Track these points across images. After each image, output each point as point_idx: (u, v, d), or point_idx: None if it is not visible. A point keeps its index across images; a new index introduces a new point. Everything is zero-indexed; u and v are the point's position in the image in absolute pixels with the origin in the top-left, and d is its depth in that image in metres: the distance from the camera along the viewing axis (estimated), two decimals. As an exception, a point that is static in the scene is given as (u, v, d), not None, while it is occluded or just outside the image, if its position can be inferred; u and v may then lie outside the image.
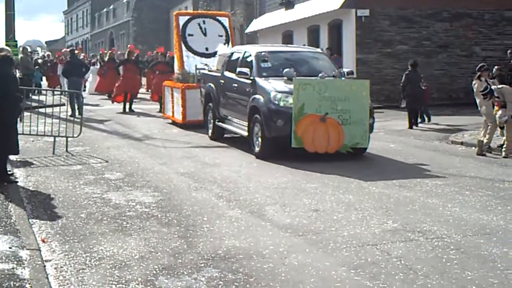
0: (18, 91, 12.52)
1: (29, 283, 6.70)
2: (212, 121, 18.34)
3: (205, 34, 22.72)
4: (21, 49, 32.85)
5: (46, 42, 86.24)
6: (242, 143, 16.39)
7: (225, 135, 18.22)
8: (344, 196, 11.06)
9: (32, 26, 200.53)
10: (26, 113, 16.25)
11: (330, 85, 14.67)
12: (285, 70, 15.40)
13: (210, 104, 18.49)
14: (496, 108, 15.92)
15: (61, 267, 7.50)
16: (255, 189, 11.66)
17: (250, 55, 16.73)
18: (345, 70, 16.91)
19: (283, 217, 9.75)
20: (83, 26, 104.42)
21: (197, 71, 20.95)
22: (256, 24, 39.46)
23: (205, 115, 19.08)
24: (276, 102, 14.69)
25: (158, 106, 26.62)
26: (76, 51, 29.81)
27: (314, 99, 14.36)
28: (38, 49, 52.86)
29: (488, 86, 16.09)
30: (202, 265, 7.56)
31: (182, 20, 22.89)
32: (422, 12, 30.20)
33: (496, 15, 30.86)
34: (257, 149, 15.19)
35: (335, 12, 30.25)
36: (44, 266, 7.41)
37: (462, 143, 17.35)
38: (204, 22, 22.94)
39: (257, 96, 15.27)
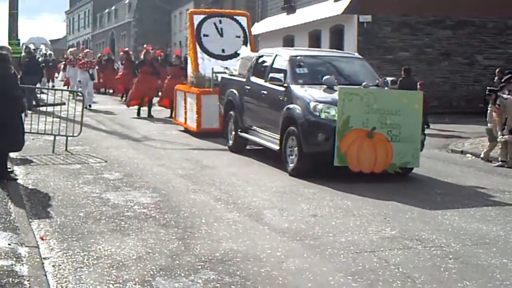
0: (18, 89, 12.52)
1: (28, 280, 6.70)
2: (233, 131, 16.59)
3: (221, 35, 21.11)
4: (24, 47, 32.84)
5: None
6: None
7: (247, 147, 16.70)
8: (342, 202, 11.06)
9: (34, 25, 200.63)
10: (27, 111, 16.24)
11: (379, 96, 13.01)
12: (325, 77, 13.86)
13: (232, 112, 16.71)
14: (494, 115, 15.96)
15: (59, 265, 7.50)
16: (254, 193, 11.65)
17: (283, 59, 15.13)
18: (388, 78, 14.77)
19: (281, 221, 9.74)
20: (85, 26, 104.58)
21: (214, 75, 19.54)
22: (258, 28, 39.45)
23: (225, 124, 17.31)
24: (317, 114, 13.05)
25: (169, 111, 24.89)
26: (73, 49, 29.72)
27: (361, 112, 12.72)
28: (42, 46, 52.68)
29: (496, 89, 16.10)
30: (199, 267, 7.55)
31: (197, 19, 21.21)
32: (424, 19, 30.18)
33: (500, 24, 30.84)
34: (291, 165, 13.50)
35: (337, 17, 30.24)
36: (43, 263, 7.42)
37: (462, 152, 17.34)
38: (220, 21, 21.29)
39: (292, 105, 13.63)
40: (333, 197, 11.44)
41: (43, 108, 23.31)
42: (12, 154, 13.71)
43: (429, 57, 30.28)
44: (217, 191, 11.76)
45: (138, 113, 24.97)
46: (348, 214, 10.26)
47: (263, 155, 15.40)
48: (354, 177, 12.73)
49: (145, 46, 27.48)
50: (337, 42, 31.06)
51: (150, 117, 24.61)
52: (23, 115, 13.22)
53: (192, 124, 19.65)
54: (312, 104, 13.20)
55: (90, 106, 27.14)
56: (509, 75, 16.44)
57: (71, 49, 44.99)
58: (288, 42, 35.59)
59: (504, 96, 15.70)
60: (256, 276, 7.27)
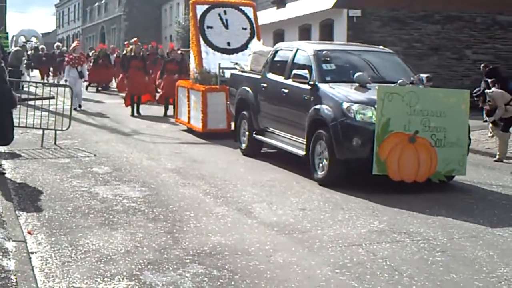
0: (6, 83, 12.48)
1: (14, 275, 6.68)
2: (247, 133, 15.24)
3: (226, 27, 19.59)
4: (14, 39, 32.75)
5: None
6: (229, 140, 16.36)
7: (262, 150, 15.48)
8: (331, 196, 11.08)
9: (24, 19, 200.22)
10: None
11: (422, 96, 11.63)
12: (356, 74, 12.57)
13: (245, 112, 15.30)
14: (485, 112, 16.04)
15: (47, 259, 7.49)
16: (243, 187, 11.66)
17: (306, 54, 13.67)
18: (423, 75, 13.35)
19: (269, 215, 9.75)
20: (75, 20, 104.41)
21: (221, 70, 18.02)
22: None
23: (236, 125, 15.96)
24: (351, 115, 11.68)
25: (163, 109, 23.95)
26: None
27: (403, 113, 11.40)
28: (33, 39, 52.49)
29: (480, 89, 16.16)
30: (188, 261, 7.55)
31: (200, 9, 19.62)
32: (414, 14, 30.20)
33: (488, 19, 30.90)
34: (320, 173, 12.15)
35: (326, 11, 30.24)
36: (30, 258, 7.40)
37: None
38: (225, 12, 19.73)
39: (321, 106, 12.24)
40: (322, 191, 11.45)
41: (31, 102, 23.22)
42: (0, 148, 13.66)
43: (418, 52, 30.29)
44: (206, 185, 11.76)
45: (132, 113, 23.62)
46: (336, 207, 10.28)
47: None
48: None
49: (133, 40, 26.71)
50: (327, 36, 31.07)
51: (138, 114, 23.59)
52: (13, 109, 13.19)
53: (197, 124, 18.22)
54: (345, 105, 11.80)
55: (80, 107, 24.80)
56: (489, 69, 16.68)
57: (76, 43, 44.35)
58: (278, 36, 35.55)
59: (490, 91, 15.85)
60: (244, 270, 7.28)
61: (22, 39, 39.91)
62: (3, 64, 12.45)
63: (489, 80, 17.05)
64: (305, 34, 33.22)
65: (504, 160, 15.34)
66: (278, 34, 35.92)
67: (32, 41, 48.35)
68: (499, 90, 15.83)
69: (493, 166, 14.71)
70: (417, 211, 10.07)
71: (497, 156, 15.44)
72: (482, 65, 20.36)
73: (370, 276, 7.18)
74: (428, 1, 29.54)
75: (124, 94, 25.99)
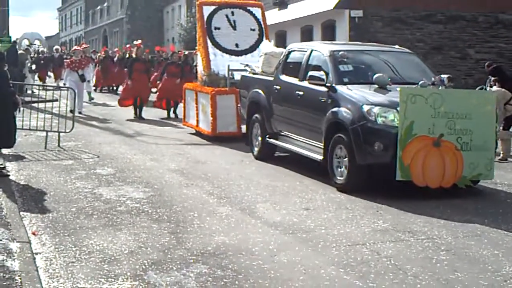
0: (9, 86, 12.51)
1: (19, 275, 6.69)
2: (259, 136, 14.78)
3: (234, 28, 19.20)
4: (18, 43, 32.77)
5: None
6: (234, 142, 16.35)
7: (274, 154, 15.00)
8: (335, 195, 11.07)
9: (27, 23, 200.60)
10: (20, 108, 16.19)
11: (447, 97, 11.10)
12: (376, 75, 12.10)
13: (257, 115, 14.81)
14: None
15: (51, 260, 7.49)
16: (246, 187, 11.65)
17: (322, 55, 13.18)
18: (444, 76, 12.72)
19: (273, 215, 9.75)
20: (77, 23, 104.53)
21: (230, 72, 17.64)
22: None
23: (248, 128, 15.47)
24: (372, 118, 11.16)
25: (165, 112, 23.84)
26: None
27: (427, 116, 10.90)
28: (37, 42, 52.42)
29: (483, 87, 16.13)
30: (191, 261, 7.55)
31: (207, 10, 19.17)
32: (415, 14, 30.23)
33: (491, 18, 30.92)
34: (340, 179, 11.64)
35: (328, 12, 30.27)
36: (34, 258, 7.42)
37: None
38: (233, 13, 19.31)
39: (340, 109, 11.74)
40: (325, 190, 11.44)
41: (35, 104, 23.22)
42: (4, 151, 13.70)
43: (421, 51, 30.24)
44: (210, 185, 11.75)
45: (136, 114, 23.25)
46: (340, 207, 10.27)
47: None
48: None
49: (135, 42, 26.40)
50: (329, 37, 31.09)
51: (141, 118, 22.97)
52: (16, 111, 13.22)
53: (206, 128, 17.72)
54: (365, 107, 11.28)
55: (80, 113, 23.36)
56: (493, 68, 16.59)
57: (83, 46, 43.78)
58: (281, 37, 35.59)
59: (493, 90, 15.82)
60: (248, 270, 7.27)
61: (26, 42, 39.88)
62: (6, 68, 12.48)
63: (492, 79, 17.02)
64: (307, 35, 33.25)
65: (509, 159, 15.32)
66: (280, 35, 35.95)
67: (35, 44, 48.35)
68: (501, 89, 15.81)
69: (498, 165, 14.58)
70: (421, 210, 10.05)
71: (501, 155, 15.42)
72: (486, 64, 20.32)
73: (374, 275, 7.17)
74: (430, 1, 29.60)
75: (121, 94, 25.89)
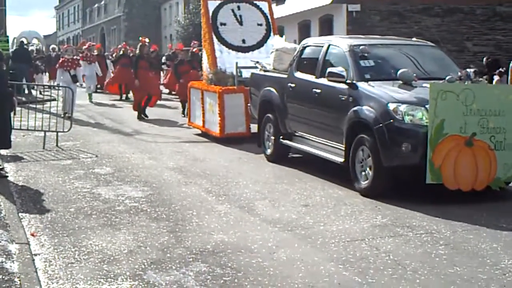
0: (8, 86, 12.52)
1: (18, 277, 6.69)
2: (272, 137, 13.97)
3: (241, 23, 18.36)
4: (15, 41, 32.72)
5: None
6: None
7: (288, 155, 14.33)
8: (334, 191, 11.07)
9: (25, 22, 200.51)
10: (17, 108, 16.19)
11: (478, 93, 10.30)
12: (400, 71, 11.24)
13: (270, 115, 14.01)
14: None
15: (50, 261, 7.49)
16: (245, 184, 11.65)
17: (341, 49, 12.36)
18: (470, 70, 11.82)
19: (272, 212, 9.75)
20: (75, 22, 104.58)
21: (238, 70, 16.92)
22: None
23: (260, 129, 14.66)
24: (399, 117, 10.37)
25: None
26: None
27: (458, 114, 10.13)
28: (35, 40, 52.19)
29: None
30: (191, 259, 7.55)
31: (212, 5, 18.34)
32: (413, 7, 30.24)
33: (488, 10, 30.92)
34: (363, 182, 10.88)
35: (326, 7, 30.30)
36: (33, 260, 7.41)
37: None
38: (239, 8, 18.47)
39: (362, 107, 10.95)
40: (324, 186, 11.44)
41: (32, 104, 23.22)
42: (3, 151, 13.69)
43: (419, 45, 30.30)
44: (208, 183, 11.75)
45: (139, 116, 22.32)
46: (339, 203, 10.27)
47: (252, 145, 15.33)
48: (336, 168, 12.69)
49: (141, 38, 25.78)
50: (327, 32, 31.08)
51: (145, 116, 22.33)
52: (12, 113, 13.22)
53: (214, 129, 16.89)
54: (391, 106, 10.50)
55: (69, 117, 20.12)
56: (490, 61, 16.58)
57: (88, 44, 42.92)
58: (278, 32, 35.57)
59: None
60: (247, 267, 7.28)
61: (24, 41, 39.60)
62: (4, 68, 12.48)
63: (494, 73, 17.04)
64: (304, 30, 33.26)
65: None
66: (278, 30, 35.90)
67: (34, 43, 48.16)
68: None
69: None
70: (420, 205, 10.02)
71: None
72: (485, 58, 20.34)
73: (373, 270, 7.17)
74: (427, -6, 29.58)
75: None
